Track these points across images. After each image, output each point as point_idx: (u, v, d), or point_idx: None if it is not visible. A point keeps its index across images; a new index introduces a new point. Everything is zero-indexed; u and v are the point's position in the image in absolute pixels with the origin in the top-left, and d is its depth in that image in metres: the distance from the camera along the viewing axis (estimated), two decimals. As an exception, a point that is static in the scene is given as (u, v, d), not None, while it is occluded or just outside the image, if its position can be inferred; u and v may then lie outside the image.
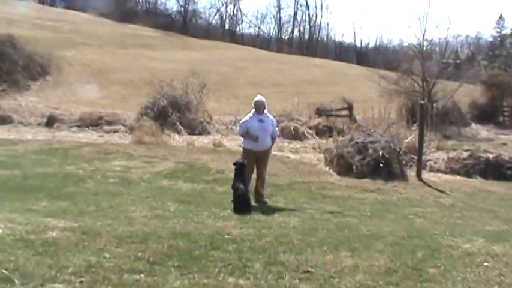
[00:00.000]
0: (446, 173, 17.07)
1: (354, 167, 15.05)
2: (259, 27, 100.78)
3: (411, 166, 16.17)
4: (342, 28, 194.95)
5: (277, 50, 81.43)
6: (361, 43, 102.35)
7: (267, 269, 6.24)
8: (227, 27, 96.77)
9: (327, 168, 15.98)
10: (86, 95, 35.28)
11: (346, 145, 15.95)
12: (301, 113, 28.91)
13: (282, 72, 53.22)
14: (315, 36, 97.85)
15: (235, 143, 19.55)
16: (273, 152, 13.64)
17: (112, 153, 16.60)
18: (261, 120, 10.99)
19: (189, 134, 23.34)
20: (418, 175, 15.37)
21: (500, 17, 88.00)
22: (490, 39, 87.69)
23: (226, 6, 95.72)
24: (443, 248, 7.68)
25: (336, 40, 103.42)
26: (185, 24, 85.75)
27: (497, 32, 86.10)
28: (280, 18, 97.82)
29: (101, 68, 45.12)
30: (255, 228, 8.41)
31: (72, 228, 7.61)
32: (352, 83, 46.84)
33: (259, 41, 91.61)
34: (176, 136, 21.95)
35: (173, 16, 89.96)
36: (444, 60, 43.17)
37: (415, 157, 16.16)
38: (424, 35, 39.15)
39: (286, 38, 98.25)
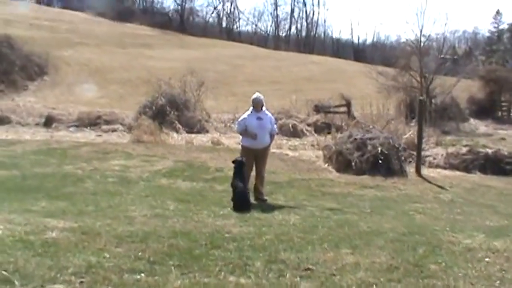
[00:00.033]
0: (445, 168, 17.05)
1: (353, 164, 15.03)
2: (256, 25, 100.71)
3: (410, 162, 16.15)
4: (339, 25, 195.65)
5: (275, 48, 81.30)
6: (358, 39, 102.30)
7: (268, 267, 6.22)
8: (224, 25, 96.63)
9: (326, 165, 15.95)
10: (84, 95, 35.22)
11: (345, 142, 15.94)
12: (300, 110, 28.89)
13: (279, 70, 53.18)
14: (312, 33, 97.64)
15: (233, 141, 19.51)
16: (272, 150, 13.61)
17: (110, 152, 16.57)
18: (259, 118, 10.97)
19: (188, 132, 23.32)
20: (417, 171, 15.36)
21: (497, 12, 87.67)
22: (488, 34, 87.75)
23: (223, 4, 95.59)
24: (444, 244, 7.68)
25: (334, 37, 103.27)
26: (182, 23, 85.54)
27: (494, 27, 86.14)
28: (277, 15, 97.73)
29: (99, 67, 45.05)
30: (255, 226, 8.40)
31: (71, 229, 7.58)
32: (349, 79, 46.80)
33: (257, 39, 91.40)
34: (175, 135, 21.94)
35: (170, 14, 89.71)
36: (442, 56, 43.17)
37: (414, 153, 16.15)
38: (421, 31, 39.23)
39: (283, 35, 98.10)
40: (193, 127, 24.50)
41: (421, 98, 20.25)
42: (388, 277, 6.05)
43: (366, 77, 36.90)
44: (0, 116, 25.88)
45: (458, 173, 16.55)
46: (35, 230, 7.36)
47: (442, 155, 17.96)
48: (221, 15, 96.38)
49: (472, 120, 36.10)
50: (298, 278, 5.91)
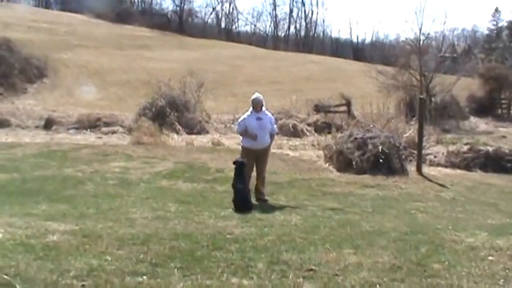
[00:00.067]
0: (446, 166, 17.03)
1: (353, 163, 15.00)
2: (255, 25, 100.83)
3: (411, 161, 16.12)
4: (338, 24, 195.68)
5: (274, 48, 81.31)
6: (357, 39, 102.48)
7: (271, 269, 6.19)
8: (223, 25, 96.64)
9: (327, 164, 15.93)
10: (83, 97, 35.21)
11: (345, 141, 15.91)
12: (300, 110, 28.86)
13: (278, 70, 53.18)
14: (311, 33, 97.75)
15: (234, 142, 19.49)
16: (272, 150, 13.59)
17: (111, 154, 16.55)
18: (259, 118, 10.95)
19: (188, 133, 23.30)
20: (418, 169, 15.33)
21: (496, 10, 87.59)
22: (486, 32, 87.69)
23: (222, 5, 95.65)
24: (446, 242, 7.64)
25: (332, 36, 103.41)
26: (181, 24, 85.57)
27: (493, 24, 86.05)
28: (276, 15, 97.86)
29: (98, 69, 45.03)
30: (257, 227, 8.38)
31: (72, 232, 7.56)
32: (349, 78, 46.78)
33: (256, 39, 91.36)
34: (175, 136, 21.93)
35: (169, 16, 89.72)
36: (441, 54, 43.14)
37: (415, 152, 16.12)
38: (420, 29, 39.23)
39: (282, 35, 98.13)
40: (193, 128, 24.46)
41: (421, 96, 20.25)
42: (391, 277, 6.02)
43: (366, 76, 36.87)
44: (0, 119, 25.85)
45: (459, 171, 16.52)
46: (35, 234, 7.34)
47: (442, 153, 17.95)
48: (220, 15, 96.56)
49: (472, 118, 36.08)
50: (301, 279, 5.88)
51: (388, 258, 6.71)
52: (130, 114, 26.04)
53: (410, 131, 18.27)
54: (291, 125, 25.35)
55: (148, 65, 46.47)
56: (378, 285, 5.75)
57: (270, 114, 11.41)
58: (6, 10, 62.21)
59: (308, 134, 25.12)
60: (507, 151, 17.42)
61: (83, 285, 5.50)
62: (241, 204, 9.87)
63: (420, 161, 15.58)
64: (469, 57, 56.96)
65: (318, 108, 29.47)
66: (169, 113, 24.39)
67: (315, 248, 7.13)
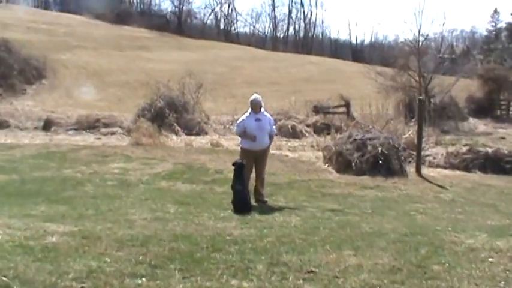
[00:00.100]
0: (445, 168, 17.01)
1: (353, 164, 14.98)
2: (254, 26, 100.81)
3: (410, 162, 16.10)
4: (337, 25, 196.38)
5: (273, 49, 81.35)
6: (356, 40, 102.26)
7: (270, 270, 6.17)
8: (222, 26, 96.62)
9: (326, 166, 15.91)
10: (82, 98, 35.22)
11: (344, 142, 15.89)
12: (299, 111, 28.91)
13: (277, 71, 53.17)
14: (310, 34, 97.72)
15: (233, 143, 19.45)
16: (271, 151, 13.57)
17: (110, 155, 16.52)
18: (258, 119, 10.93)
19: (187, 134, 23.29)
20: (418, 171, 15.31)
21: (495, 11, 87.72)
22: (485, 33, 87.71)
23: (221, 6, 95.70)
24: (446, 244, 7.62)
25: (331, 37, 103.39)
26: (180, 25, 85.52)
27: (492, 25, 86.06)
28: (275, 16, 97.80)
29: (97, 70, 45.04)
30: (256, 228, 8.35)
31: (71, 233, 7.54)
32: (348, 79, 46.79)
33: (255, 40, 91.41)
34: (174, 137, 21.91)
35: (168, 17, 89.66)
36: (440, 55, 43.18)
37: (414, 153, 16.10)
38: (419, 30, 39.20)
39: (281, 36, 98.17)
40: (192, 129, 24.45)
41: (420, 97, 20.21)
42: (392, 279, 6.01)
43: (365, 77, 36.87)
44: (-2, 121, 25.85)
45: (458, 172, 16.50)
46: (34, 235, 7.32)
47: (442, 154, 17.94)
48: (219, 16, 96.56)
49: (471, 119, 36.10)
50: (301, 281, 5.86)
51: (388, 260, 6.69)
52: (129, 115, 26.06)
53: (409, 132, 18.25)
54: (290, 126, 25.36)
55: (147, 66, 46.48)
56: (378, 287, 5.74)
57: (269, 115, 11.39)
58: (5, 11, 62.19)
59: (307, 135, 25.14)
60: (506, 152, 17.41)
61: (82, 287, 5.47)
62: (241, 206, 9.86)
63: (419, 162, 15.56)
64: (468, 59, 57.04)
65: (317, 109, 29.50)
66: (168, 114, 24.39)
67: (315, 249, 7.11)
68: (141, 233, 7.70)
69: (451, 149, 18.35)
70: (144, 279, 5.77)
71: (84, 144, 20.12)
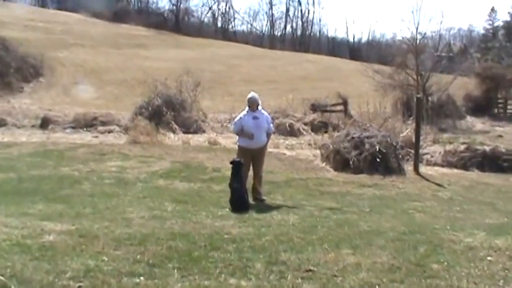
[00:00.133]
0: (443, 166, 17.06)
1: (350, 163, 14.98)
2: (251, 24, 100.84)
3: (408, 160, 16.15)
4: (334, 23, 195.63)
5: (270, 47, 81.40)
6: (353, 38, 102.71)
7: (269, 269, 6.13)
8: (219, 24, 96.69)
9: (324, 164, 15.90)
10: (79, 96, 35.16)
11: (342, 140, 15.88)
12: (296, 109, 28.92)
13: (275, 69, 53.16)
14: (307, 32, 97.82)
15: (230, 141, 19.43)
16: (269, 149, 13.58)
17: (107, 153, 16.49)
18: (255, 117, 10.92)
19: (184, 132, 23.26)
20: (415, 169, 15.33)
21: (492, 10, 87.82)
22: (483, 31, 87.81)
23: (218, 4, 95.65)
24: (445, 242, 7.60)
25: (329, 35, 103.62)
26: (177, 23, 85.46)
27: (489, 24, 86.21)
28: (272, 14, 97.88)
29: (94, 68, 44.97)
30: (254, 227, 8.33)
31: (69, 232, 7.50)
32: (345, 78, 46.78)
33: (252, 38, 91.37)
34: (171, 135, 21.90)
35: (165, 15, 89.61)
36: (437, 54, 43.16)
37: (412, 151, 16.13)
38: (417, 29, 39.16)
39: (278, 34, 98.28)
40: (189, 127, 24.43)
41: (418, 96, 20.25)
42: (391, 277, 5.97)
43: (362, 75, 36.83)
44: (-4, 119, 25.80)
45: (456, 170, 16.54)
46: (32, 234, 7.28)
47: (439, 152, 17.98)
48: (216, 15, 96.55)
49: (468, 118, 36.17)
50: (299, 280, 5.82)
51: (386, 259, 6.66)
52: (127, 114, 26.03)
53: (407, 131, 18.28)
54: (287, 124, 25.37)
55: (145, 64, 46.42)
56: (377, 286, 5.70)
57: (266, 114, 11.38)
58: (3, 9, 61.99)
59: (305, 133, 25.14)
60: (504, 150, 17.45)
61: (79, 286, 5.43)
62: (238, 204, 9.84)
63: (417, 161, 15.59)
64: (465, 57, 56.99)
65: (314, 108, 29.49)
66: (166, 112, 24.37)
67: (313, 248, 7.08)
68: (138, 231, 7.67)
69: (448, 147, 18.39)
70: (142, 278, 5.72)
71: (81, 142, 20.08)
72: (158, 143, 19.43)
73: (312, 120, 27.09)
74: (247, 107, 11.04)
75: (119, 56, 51.04)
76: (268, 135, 11.34)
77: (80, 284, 5.49)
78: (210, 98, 31.17)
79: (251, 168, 11.03)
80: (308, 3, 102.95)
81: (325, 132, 20.89)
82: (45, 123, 25.47)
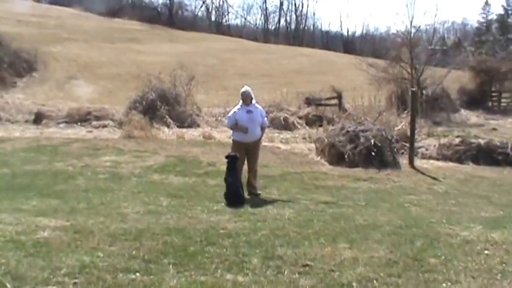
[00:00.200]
0: (438, 159, 17.03)
1: (345, 156, 14.95)
2: (245, 18, 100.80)
3: (403, 154, 16.11)
4: (328, 17, 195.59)
5: (264, 41, 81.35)
6: (347, 32, 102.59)
7: (265, 264, 6.10)
8: (213, 18, 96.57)
9: (319, 158, 15.87)
10: (73, 91, 35.01)
11: (337, 134, 15.84)
12: (290, 103, 28.88)
13: (269, 63, 53.12)
14: (301, 26, 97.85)
15: (225, 135, 19.38)
16: (264, 143, 13.54)
17: (101, 148, 16.41)
18: (249, 111, 10.88)
19: (179, 127, 23.20)
20: (411, 162, 15.31)
21: (486, 3, 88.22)
22: (476, 25, 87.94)
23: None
24: (441, 236, 7.58)
25: (323, 29, 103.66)
26: (171, 17, 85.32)
27: (483, 17, 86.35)
28: (266, 8, 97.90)
29: (88, 63, 44.83)
30: (250, 221, 8.29)
31: (63, 227, 7.45)
32: (340, 71, 46.77)
33: (246, 32, 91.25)
34: (166, 129, 21.83)
35: (159, 9, 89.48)
36: (432, 47, 43.14)
37: (407, 144, 16.11)
38: (411, 22, 39.21)
39: (272, 28, 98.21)
40: (184, 121, 24.37)
41: (413, 89, 20.21)
42: (388, 272, 5.95)
43: (357, 69, 36.81)
44: (-11, 114, 25.67)
45: (451, 164, 16.53)
46: (26, 230, 7.23)
47: (434, 146, 17.96)
48: (210, 8, 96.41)
49: (462, 111, 36.16)
50: (296, 275, 5.79)
51: (383, 253, 6.64)
52: (121, 108, 25.95)
53: (401, 124, 18.25)
54: (282, 118, 25.34)
55: (139, 58, 46.32)
56: (374, 281, 5.67)
57: (260, 107, 11.34)
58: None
59: (299, 127, 25.10)
60: (498, 144, 17.43)
61: (74, 283, 5.40)
62: (233, 198, 9.81)
63: (412, 154, 15.57)
64: (459, 50, 57.07)
65: (309, 101, 29.47)
66: (160, 106, 24.30)
67: (310, 242, 7.05)
68: (133, 226, 7.63)
69: (443, 140, 18.38)
70: (137, 274, 5.69)
71: (75, 137, 20.01)
72: (152, 137, 19.37)
73: (307, 114, 27.06)
74: (241, 101, 11.00)
75: (112, 50, 50.90)
76: (263, 129, 11.30)
77: (75, 280, 5.45)
78: (204, 92, 31.12)
79: (246, 162, 11.00)
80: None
81: (320, 126, 20.87)
82: (38, 118, 25.36)
